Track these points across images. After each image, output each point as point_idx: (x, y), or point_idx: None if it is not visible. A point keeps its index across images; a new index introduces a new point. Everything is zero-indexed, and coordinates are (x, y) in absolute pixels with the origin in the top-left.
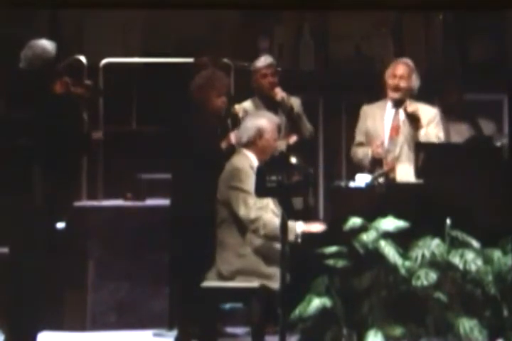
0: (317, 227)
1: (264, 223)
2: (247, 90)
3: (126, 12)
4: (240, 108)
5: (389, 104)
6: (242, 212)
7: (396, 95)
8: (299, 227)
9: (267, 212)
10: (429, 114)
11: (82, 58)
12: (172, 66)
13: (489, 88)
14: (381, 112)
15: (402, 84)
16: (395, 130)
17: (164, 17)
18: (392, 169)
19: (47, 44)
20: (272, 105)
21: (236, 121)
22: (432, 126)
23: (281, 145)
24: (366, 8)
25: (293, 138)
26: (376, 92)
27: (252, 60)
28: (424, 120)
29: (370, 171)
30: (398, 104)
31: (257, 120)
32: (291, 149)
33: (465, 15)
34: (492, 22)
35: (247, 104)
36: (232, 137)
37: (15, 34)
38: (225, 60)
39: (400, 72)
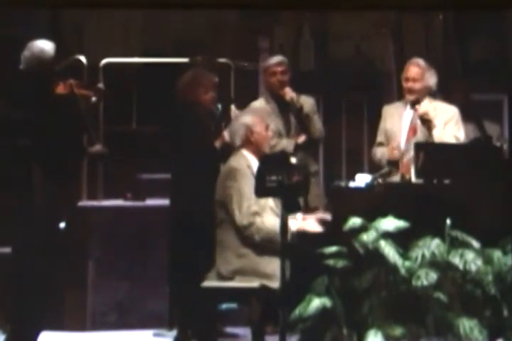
0: (312, 225)
1: (257, 228)
2: (247, 90)
3: (126, 12)
4: (234, 109)
5: (408, 105)
6: (236, 217)
7: (411, 97)
8: (293, 226)
9: (264, 212)
10: (447, 113)
11: (82, 58)
12: (172, 66)
13: (489, 88)
14: (400, 112)
15: (416, 86)
16: (413, 130)
17: (164, 17)
18: (408, 170)
19: (45, 45)
20: (282, 104)
21: (228, 119)
22: (451, 125)
23: (290, 144)
24: (366, 8)
25: (301, 138)
26: (376, 92)
27: (252, 60)
28: (442, 119)
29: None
30: (415, 104)
31: (242, 118)
32: (299, 148)
33: (465, 15)
34: (492, 22)
35: (260, 102)
36: (226, 135)
37: (15, 34)
38: (225, 60)
39: (412, 74)
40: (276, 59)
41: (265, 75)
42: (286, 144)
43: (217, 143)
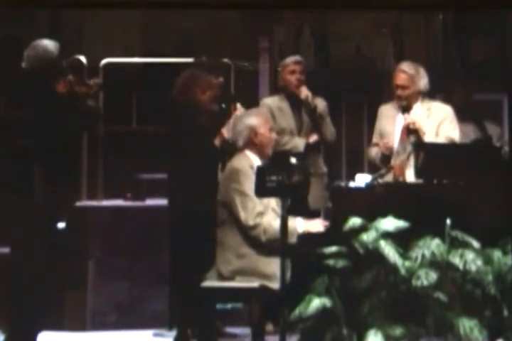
0: (317, 227)
1: (264, 229)
2: (247, 90)
3: (126, 12)
4: (239, 106)
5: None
6: (242, 218)
7: (402, 103)
8: (299, 227)
9: (267, 213)
10: (441, 112)
11: (82, 58)
12: (172, 66)
13: (489, 88)
14: (394, 113)
15: (405, 93)
16: (406, 133)
17: (164, 17)
18: (402, 172)
19: (49, 44)
20: (296, 102)
21: (229, 114)
22: (445, 126)
23: (301, 143)
24: (366, 8)
25: (313, 138)
26: (376, 92)
27: (252, 60)
28: (436, 119)
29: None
30: (406, 109)
31: (246, 120)
32: (309, 148)
33: (465, 15)
34: (492, 22)
35: (272, 100)
36: (225, 132)
37: (15, 34)
38: (225, 60)
39: (400, 82)
40: (296, 58)
41: (283, 73)
42: (298, 143)
43: (217, 141)
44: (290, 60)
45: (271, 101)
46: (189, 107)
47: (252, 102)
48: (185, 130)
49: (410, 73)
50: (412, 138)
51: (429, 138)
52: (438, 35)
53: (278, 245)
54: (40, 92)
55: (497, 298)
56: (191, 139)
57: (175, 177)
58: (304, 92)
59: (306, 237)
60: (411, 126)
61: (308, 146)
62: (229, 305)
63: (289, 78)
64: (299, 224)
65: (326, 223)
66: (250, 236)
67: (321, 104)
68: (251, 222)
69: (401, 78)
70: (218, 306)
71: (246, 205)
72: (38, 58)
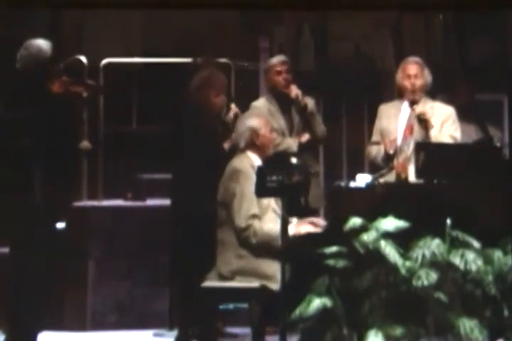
0: (307, 229)
1: (254, 231)
2: (247, 90)
3: (126, 12)
4: (234, 107)
5: (405, 104)
6: (235, 219)
7: (414, 96)
8: (290, 230)
9: (266, 213)
10: (444, 112)
11: (82, 58)
12: (172, 66)
13: (489, 88)
14: (396, 111)
15: (418, 82)
16: (409, 130)
17: (164, 17)
18: (404, 169)
19: (42, 44)
20: (285, 103)
21: (236, 120)
22: (447, 126)
23: (293, 143)
24: (366, 8)
25: (305, 137)
26: (376, 92)
27: (252, 60)
28: (439, 119)
29: (384, 168)
30: (414, 104)
31: (247, 121)
32: (302, 147)
33: (465, 15)
34: (492, 22)
35: (261, 102)
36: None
37: (15, 34)
38: (225, 60)
39: (413, 71)
40: (280, 58)
41: (269, 74)
42: (291, 143)
43: (226, 145)
44: (275, 60)
45: (260, 104)
46: (201, 108)
47: (252, 102)
48: (193, 131)
49: (421, 64)
50: (417, 133)
51: (433, 135)
52: (438, 35)
53: (268, 248)
54: (34, 92)
55: (497, 298)
56: (199, 140)
57: (180, 178)
58: (294, 91)
59: (307, 237)
60: (422, 117)
61: (301, 146)
62: (231, 306)
63: (277, 79)
64: (291, 228)
65: (324, 222)
66: (242, 237)
67: (309, 102)
68: (242, 224)
69: (414, 68)
70: (221, 307)
71: (241, 206)
72: (31, 58)
